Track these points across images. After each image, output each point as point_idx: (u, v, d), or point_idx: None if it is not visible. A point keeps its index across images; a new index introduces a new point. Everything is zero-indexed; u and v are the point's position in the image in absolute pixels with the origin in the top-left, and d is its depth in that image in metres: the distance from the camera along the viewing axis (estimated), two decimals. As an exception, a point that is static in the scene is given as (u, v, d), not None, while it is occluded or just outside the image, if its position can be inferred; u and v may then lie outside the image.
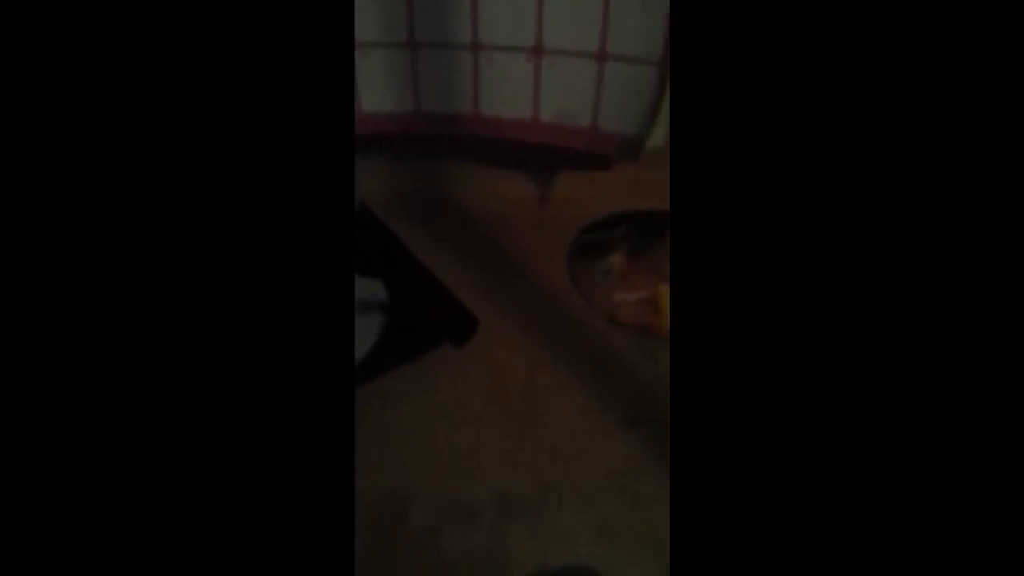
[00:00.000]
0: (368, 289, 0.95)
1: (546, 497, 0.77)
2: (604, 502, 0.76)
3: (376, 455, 0.78)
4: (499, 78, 1.12)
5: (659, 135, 1.12)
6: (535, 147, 1.19)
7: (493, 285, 1.04)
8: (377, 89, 1.13)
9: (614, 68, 1.07)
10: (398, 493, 0.77)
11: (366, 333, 0.90)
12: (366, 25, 1.05)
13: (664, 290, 1.01)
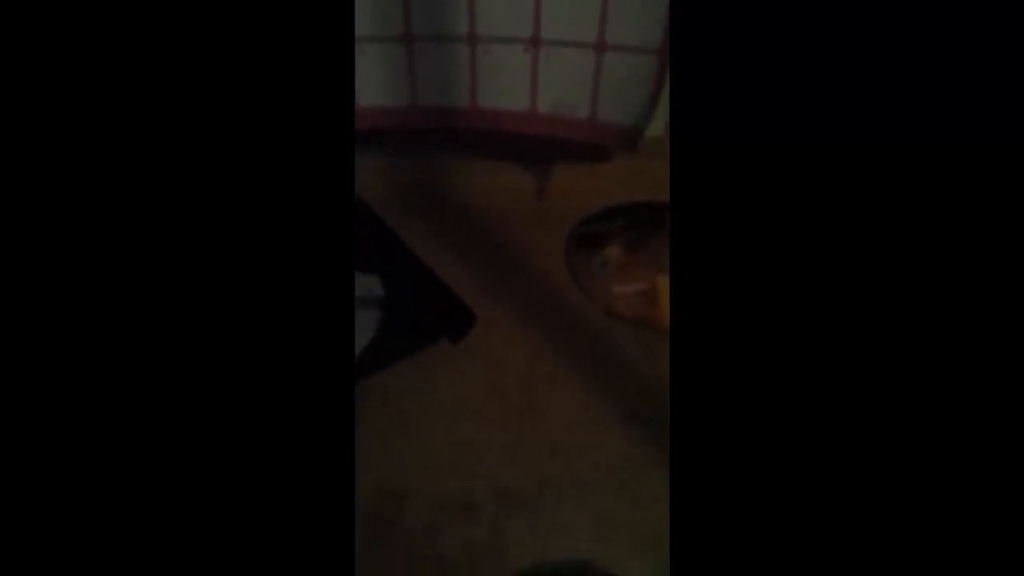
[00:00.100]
0: (365, 285, 0.95)
1: (545, 492, 0.77)
2: (603, 497, 0.76)
3: (375, 451, 0.79)
4: (496, 70, 1.12)
5: (658, 125, 1.12)
6: (533, 139, 1.18)
7: (491, 279, 1.04)
8: (373, 83, 1.13)
9: (613, 58, 1.06)
10: (397, 489, 0.77)
11: (363, 329, 0.90)
12: (361, 20, 1.04)
13: (662, 282, 1.00)
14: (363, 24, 1.05)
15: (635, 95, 1.09)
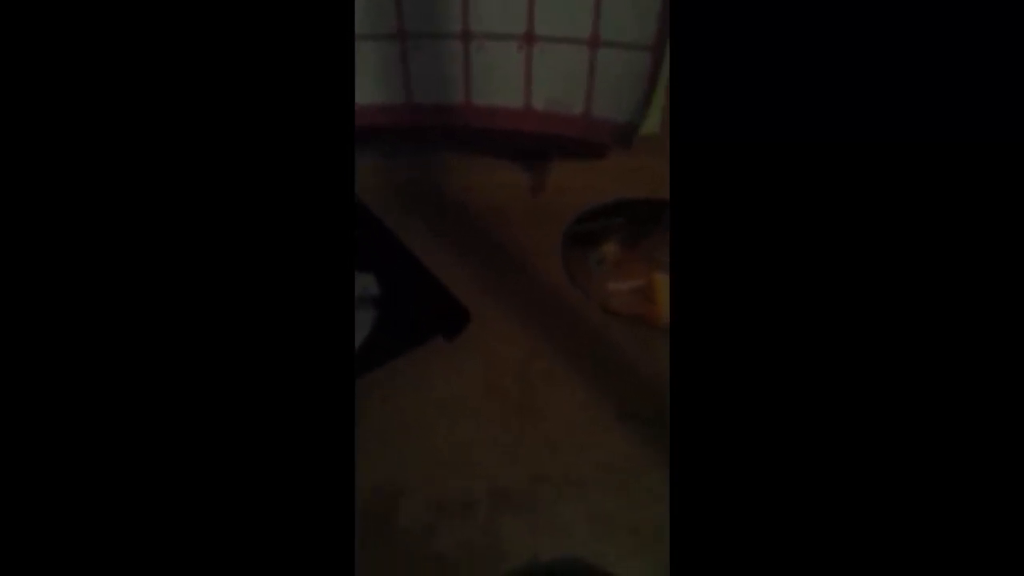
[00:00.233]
0: (361, 284, 0.95)
1: (542, 490, 0.77)
2: (601, 496, 0.76)
3: (373, 450, 0.78)
4: (491, 67, 1.11)
5: (653, 121, 1.11)
6: (529, 136, 1.18)
7: (488, 277, 1.04)
8: (368, 82, 1.12)
9: (607, 54, 1.06)
10: (393, 487, 0.77)
11: (359, 328, 0.90)
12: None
13: (658, 279, 1.00)
14: (356, 21, 1.04)
15: (630, 91, 1.08)
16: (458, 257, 1.07)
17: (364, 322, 0.91)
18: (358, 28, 1.05)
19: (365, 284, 0.95)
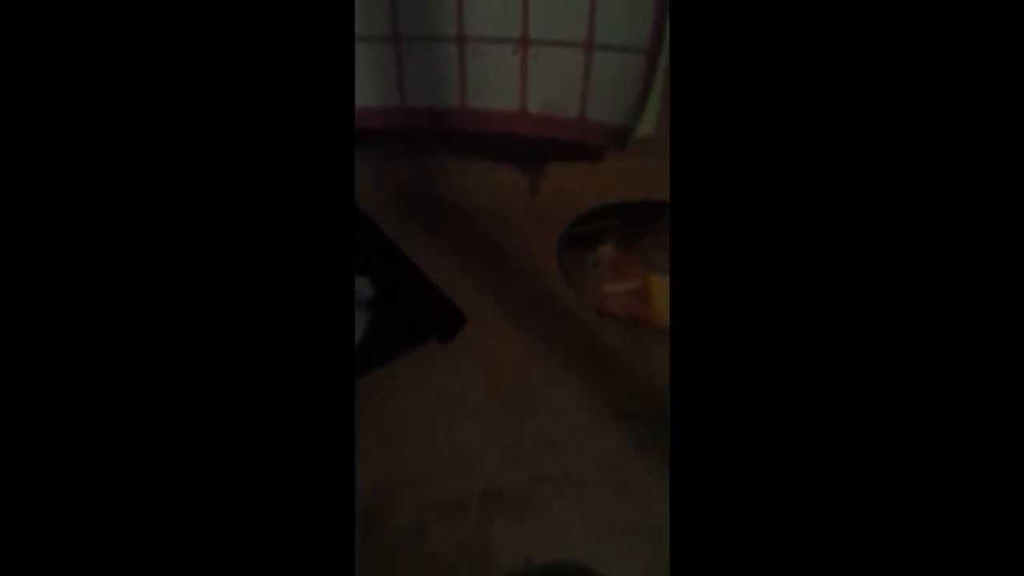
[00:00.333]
0: (355, 286, 0.94)
1: (538, 490, 0.77)
2: (598, 496, 0.76)
3: (370, 449, 0.78)
4: (486, 70, 1.11)
5: (648, 124, 1.12)
6: (524, 139, 1.18)
7: (484, 279, 1.04)
8: (362, 84, 1.12)
9: (601, 57, 1.06)
10: (391, 487, 0.76)
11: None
12: (349, 19, 1.04)
13: (654, 281, 1.00)
14: (352, 25, 1.05)
15: (625, 94, 1.09)
16: (455, 259, 1.07)
17: (358, 325, 0.91)
18: (353, 31, 1.06)
19: (359, 287, 0.95)
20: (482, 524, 0.73)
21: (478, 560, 0.71)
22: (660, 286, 1.00)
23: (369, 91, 1.13)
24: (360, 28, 1.05)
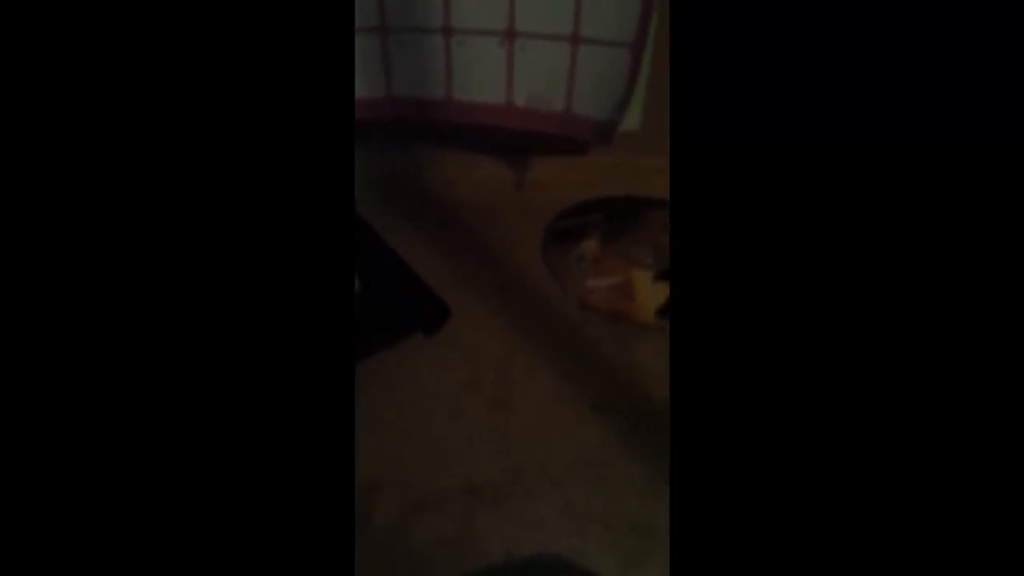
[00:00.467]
0: (342, 280, 0.94)
1: (519, 484, 0.77)
2: (577, 489, 0.77)
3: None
4: (472, 63, 1.11)
5: (632, 119, 1.12)
6: (510, 132, 1.18)
7: (469, 272, 1.04)
8: (348, 75, 1.11)
9: (587, 52, 1.06)
10: (373, 482, 0.77)
11: (339, 324, 0.90)
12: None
13: (637, 276, 1.01)
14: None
15: (610, 88, 1.09)
16: (439, 252, 1.07)
17: (344, 318, 0.91)
18: (338, 22, 1.04)
19: (345, 280, 0.95)
20: (464, 518, 0.74)
21: (460, 554, 0.72)
22: (642, 281, 1.01)
23: (356, 82, 1.12)
24: (345, 19, 1.04)
